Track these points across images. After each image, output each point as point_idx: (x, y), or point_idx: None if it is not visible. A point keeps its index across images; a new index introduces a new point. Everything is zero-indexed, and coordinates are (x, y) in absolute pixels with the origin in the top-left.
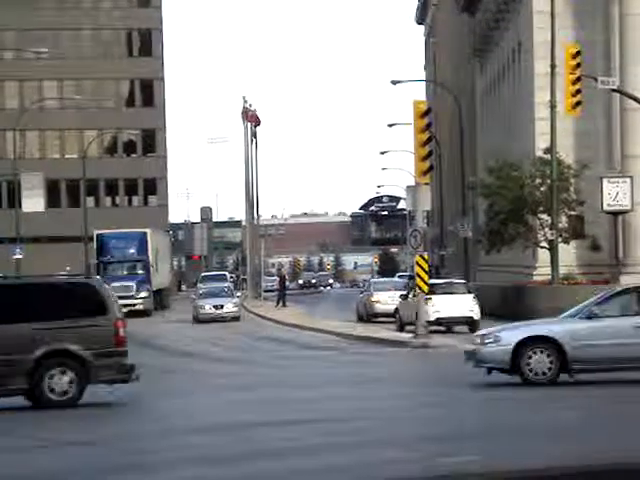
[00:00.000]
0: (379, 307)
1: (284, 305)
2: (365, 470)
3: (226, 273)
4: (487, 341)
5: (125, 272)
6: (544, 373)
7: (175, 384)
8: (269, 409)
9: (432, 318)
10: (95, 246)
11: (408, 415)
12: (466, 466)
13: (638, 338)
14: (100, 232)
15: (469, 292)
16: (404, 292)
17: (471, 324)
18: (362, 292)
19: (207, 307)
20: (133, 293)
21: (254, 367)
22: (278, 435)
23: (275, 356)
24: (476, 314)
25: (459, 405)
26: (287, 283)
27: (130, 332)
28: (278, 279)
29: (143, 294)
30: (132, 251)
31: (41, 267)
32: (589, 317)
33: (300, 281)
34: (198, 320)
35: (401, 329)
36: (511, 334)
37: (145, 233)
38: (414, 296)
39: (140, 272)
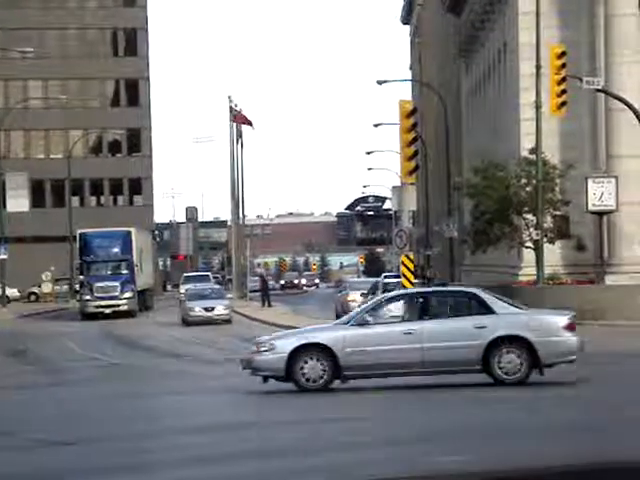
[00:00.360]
0: (353, 305)
1: (269, 305)
2: (352, 469)
3: (209, 273)
4: (262, 349)
5: (109, 272)
6: (320, 378)
7: (166, 385)
8: (259, 409)
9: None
10: (78, 245)
11: (400, 415)
12: (460, 466)
13: (407, 344)
14: (83, 231)
15: None
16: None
17: None
18: (340, 291)
19: (197, 309)
20: (117, 293)
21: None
22: (268, 435)
23: None
24: None
25: (447, 405)
26: (272, 283)
27: (117, 333)
28: (259, 279)
29: (127, 294)
30: (116, 250)
31: (26, 267)
32: (360, 324)
33: (282, 281)
34: (187, 323)
35: None
36: (285, 342)
37: (129, 232)
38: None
39: (124, 272)
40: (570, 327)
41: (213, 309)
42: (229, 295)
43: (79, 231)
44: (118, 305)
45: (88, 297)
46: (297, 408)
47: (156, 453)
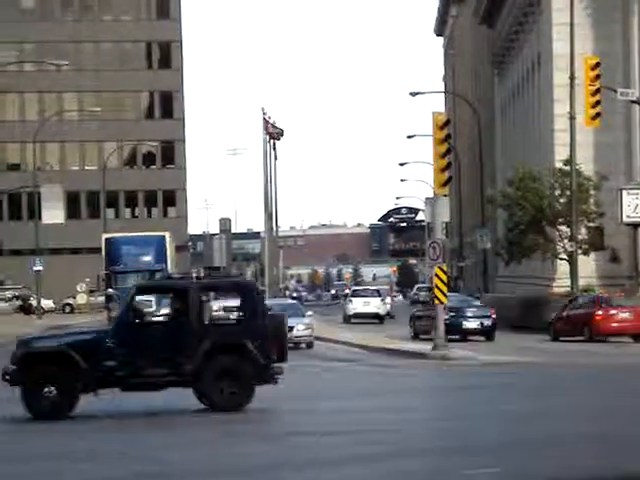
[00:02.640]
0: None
1: None
2: None
3: None
4: None
5: None
6: None
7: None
8: (298, 420)
9: (351, 313)
10: (104, 253)
11: (431, 426)
12: (485, 477)
13: None
14: (110, 236)
15: (379, 296)
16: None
17: (379, 318)
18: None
19: None
20: (152, 309)
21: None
22: (305, 447)
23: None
24: (382, 311)
25: (482, 418)
26: (305, 294)
27: None
28: (284, 289)
29: (164, 311)
30: (148, 259)
31: (61, 279)
32: None
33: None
34: None
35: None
36: None
37: (163, 237)
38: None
39: None
40: None
41: (292, 329)
42: (309, 312)
43: (105, 236)
44: None
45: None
46: None
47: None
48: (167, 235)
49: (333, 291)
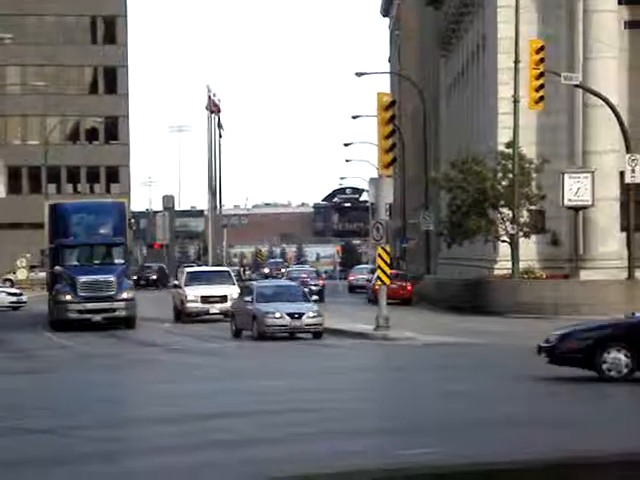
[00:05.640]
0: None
1: None
2: (325, 460)
3: (229, 269)
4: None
5: (97, 261)
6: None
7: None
8: (238, 400)
9: None
10: (47, 224)
11: (372, 407)
12: (422, 458)
13: None
14: (56, 203)
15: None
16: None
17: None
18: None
19: (277, 315)
20: (113, 292)
21: (227, 359)
22: (242, 427)
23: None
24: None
25: (423, 399)
26: (249, 273)
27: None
28: (242, 269)
29: (126, 294)
30: (105, 231)
31: (0, 254)
32: None
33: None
34: (262, 335)
35: None
36: None
37: (123, 204)
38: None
39: (118, 261)
40: None
41: (301, 316)
42: (314, 297)
43: (49, 202)
44: (114, 309)
45: (68, 297)
46: None
47: (126, 442)
48: (126, 202)
49: (266, 270)
